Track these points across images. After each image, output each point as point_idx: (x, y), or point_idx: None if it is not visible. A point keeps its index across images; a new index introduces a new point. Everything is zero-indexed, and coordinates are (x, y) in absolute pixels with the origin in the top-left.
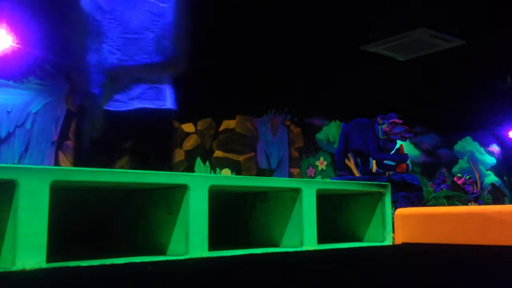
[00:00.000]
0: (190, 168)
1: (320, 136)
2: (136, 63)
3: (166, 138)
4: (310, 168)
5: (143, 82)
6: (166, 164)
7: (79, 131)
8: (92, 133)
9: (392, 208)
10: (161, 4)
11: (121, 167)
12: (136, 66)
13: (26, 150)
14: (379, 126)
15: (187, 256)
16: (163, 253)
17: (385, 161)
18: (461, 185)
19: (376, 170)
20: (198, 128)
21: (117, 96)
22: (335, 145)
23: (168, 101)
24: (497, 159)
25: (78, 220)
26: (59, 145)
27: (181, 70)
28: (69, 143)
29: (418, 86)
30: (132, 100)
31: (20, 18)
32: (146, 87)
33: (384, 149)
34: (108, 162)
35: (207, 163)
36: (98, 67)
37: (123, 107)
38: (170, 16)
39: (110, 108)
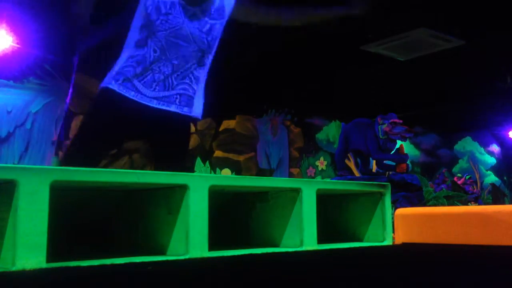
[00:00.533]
0: (190, 168)
1: (320, 136)
2: (172, 65)
3: (183, 145)
4: (310, 168)
5: (175, 86)
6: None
7: (92, 122)
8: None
9: (392, 208)
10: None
11: (126, 165)
12: (171, 67)
13: (26, 150)
14: (379, 126)
15: (187, 256)
16: (163, 253)
17: (385, 161)
18: (461, 185)
19: (376, 170)
20: (198, 128)
21: (144, 91)
22: (335, 145)
23: (195, 110)
24: (497, 159)
25: (78, 220)
26: (59, 145)
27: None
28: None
29: (418, 86)
30: (158, 100)
31: (20, 18)
32: (178, 91)
33: (384, 149)
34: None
35: (207, 163)
36: (134, 58)
37: (146, 102)
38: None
39: (135, 98)
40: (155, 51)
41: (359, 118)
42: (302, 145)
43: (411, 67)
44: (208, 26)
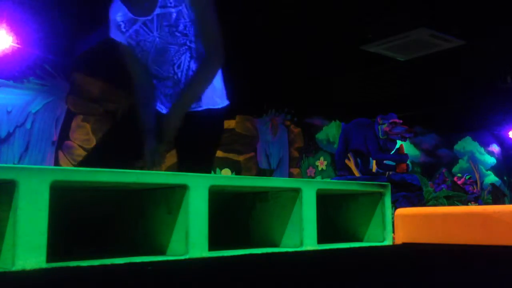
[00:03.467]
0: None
1: (320, 136)
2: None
3: (210, 143)
4: (310, 168)
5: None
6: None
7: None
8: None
9: (392, 208)
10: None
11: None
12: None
13: (26, 150)
14: (379, 126)
15: (187, 256)
16: (163, 253)
17: (385, 161)
18: (461, 185)
19: (376, 170)
20: None
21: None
22: (335, 145)
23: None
24: (497, 159)
25: (78, 220)
26: (59, 145)
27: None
28: (69, 143)
29: (418, 86)
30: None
31: (20, 18)
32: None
33: (384, 149)
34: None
35: None
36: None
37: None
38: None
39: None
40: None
41: (359, 118)
42: (302, 145)
43: (411, 67)
44: (174, 15)
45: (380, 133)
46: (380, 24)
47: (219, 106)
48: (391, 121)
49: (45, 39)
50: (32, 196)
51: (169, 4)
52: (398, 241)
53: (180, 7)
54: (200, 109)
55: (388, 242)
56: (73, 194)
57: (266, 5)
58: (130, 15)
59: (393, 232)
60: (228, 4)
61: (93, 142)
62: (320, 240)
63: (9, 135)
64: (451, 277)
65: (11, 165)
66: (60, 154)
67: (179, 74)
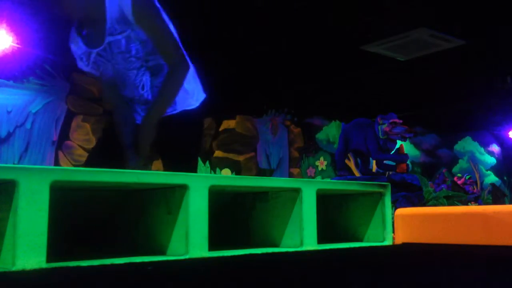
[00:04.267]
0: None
1: (320, 136)
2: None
3: (190, 144)
4: (310, 168)
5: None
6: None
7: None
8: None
9: (392, 208)
10: None
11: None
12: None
13: (26, 150)
14: (379, 126)
15: (187, 256)
16: (163, 253)
17: (385, 161)
18: (461, 185)
19: (376, 170)
20: None
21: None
22: (335, 145)
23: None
24: (497, 159)
25: (78, 220)
26: (59, 145)
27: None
28: (69, 143)
29: (418, 86)
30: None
31: (20, 18)
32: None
33: (384, 149)
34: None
35: (207, 163)
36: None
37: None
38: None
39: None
40: None
41: (359, 118)
42: (302, 145)
43: (411, 67)
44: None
45: (380, 133)
46: (380, 24)
47: (194, 106)
48: (391, 121)
49: (45, 39)
50: (32, 196)
51: (115, 32)
52: (398, 241)
53: (127, 32)
54: (175, 112)
55: (388, 242)
56: (73, 194)
57: (266, 5)
58: (84, 47)
59: (393, 232)
60: (228, 4)
61: (93, 142)
62: (320, 240)
63: (9, 135)
64: (451, 277)
65: (11, 165)
66: (60, 154)
67: (146, 95)
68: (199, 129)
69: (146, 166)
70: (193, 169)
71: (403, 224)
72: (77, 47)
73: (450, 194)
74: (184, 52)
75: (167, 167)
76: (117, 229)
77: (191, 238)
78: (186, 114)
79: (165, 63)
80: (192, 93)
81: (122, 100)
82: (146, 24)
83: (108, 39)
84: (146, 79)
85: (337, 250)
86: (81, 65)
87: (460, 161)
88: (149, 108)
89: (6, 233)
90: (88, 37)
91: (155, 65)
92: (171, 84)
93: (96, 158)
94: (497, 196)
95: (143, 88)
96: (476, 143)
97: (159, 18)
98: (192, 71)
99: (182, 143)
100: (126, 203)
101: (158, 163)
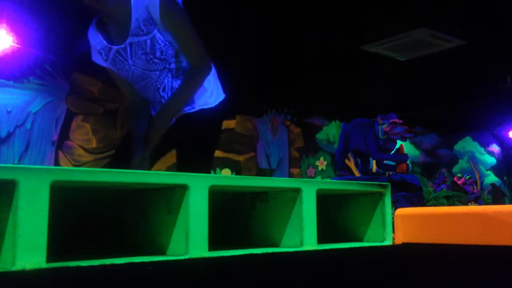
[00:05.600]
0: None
1: (320, 136)
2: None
3: (208, 143)
4: (310, 168)
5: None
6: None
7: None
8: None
9: (392, 208)
10: None
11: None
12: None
13: (26, 150)
14: (379, 126)
15: (187, 256)
16: (163, 253)
17: (385, 161)
18: (461, 185)
19: (376, 170)
20: None
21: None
22: (335, 145)
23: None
24: (497, 159)
25: (78, 220)
26: (59, 145)
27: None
28: (69, 143)
29: (418, 86)
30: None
31: (20, 18)
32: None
33: (384, 149)
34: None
35: None
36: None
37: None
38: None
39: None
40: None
41: (359, 118)
42: (302, 145)
43: (411, 67)
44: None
45: (380, 133)
46: (380, 24)
47: (212, 105)
48: (391, 121)
49: (45, 39)
50: (32, 196)
51: (141, 32)
52: (398, 241)
53: (153, 33)
54: (193, 110)
55: (388, 242)
56: (73, 194)
57: (266, 4)
58: (105, 42)
59: (393, 232)
60: (227, 3)
61: (93, 142)
62: (320, 240)
63: (9, 135)
64: (451, 277)
65: (11, 165)
66: (60, 154)
67: (166, 97)
68: (217, 128)
69: (149, 160)
70: (208, 168)
71: (403, 224)
72: (96, 41)
73: (450, 194)
74: (206, 57)
75: (181, 162)
76: (117, 229)
77: (191, 238)
78: (202, 112)
79: (186, 66)
80: (209, 93)
81: (138, 94)
82: (172, 25)
83: (132, 39)
84: (167, 80)
85: (337, 250)
86: (99, 59)
87: (460, 161)
88: (165, 102)
89: (6, 233)
90: (110, 33)
91: (176, 68)
92: (191, 82)
93: (116, 162)
94: (497, 196)
95: (163, 90)
96: (476, 143)
97: (185, 19)
98: (213, 72)
99: (199, 140)
100: (126, 203)
101: (160, 163)
